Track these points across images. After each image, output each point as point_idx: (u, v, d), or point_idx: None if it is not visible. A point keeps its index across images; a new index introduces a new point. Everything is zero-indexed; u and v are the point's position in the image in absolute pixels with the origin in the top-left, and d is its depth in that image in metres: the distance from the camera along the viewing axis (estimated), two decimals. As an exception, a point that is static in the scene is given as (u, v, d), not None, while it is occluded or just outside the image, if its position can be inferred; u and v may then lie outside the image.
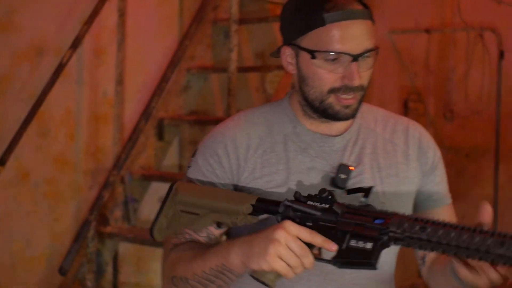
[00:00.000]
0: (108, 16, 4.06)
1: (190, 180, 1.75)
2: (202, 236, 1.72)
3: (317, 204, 1.53)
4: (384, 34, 5.94)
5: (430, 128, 6.34)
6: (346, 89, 1.64)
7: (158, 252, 4.39)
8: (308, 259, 1.46)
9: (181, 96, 4.44)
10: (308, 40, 1.65)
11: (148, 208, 4.40)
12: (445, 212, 1.82)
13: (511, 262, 1.31)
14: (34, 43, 3.86)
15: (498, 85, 5.52)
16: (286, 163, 1.71)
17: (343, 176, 1.68)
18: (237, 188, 1.72)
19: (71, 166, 4.05)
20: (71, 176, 4.05)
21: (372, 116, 1.82)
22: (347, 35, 1.62)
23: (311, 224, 1.51)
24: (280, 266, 1.46)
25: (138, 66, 4.33)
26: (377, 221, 1.47)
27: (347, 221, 1.49)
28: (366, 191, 1.60)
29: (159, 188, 4.39)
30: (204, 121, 4.48)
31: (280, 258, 1.45)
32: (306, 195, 1.55)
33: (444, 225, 1.38)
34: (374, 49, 1.66)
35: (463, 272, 1.48)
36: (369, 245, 1.46)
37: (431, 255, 1.81)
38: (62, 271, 3.30)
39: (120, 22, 3.98)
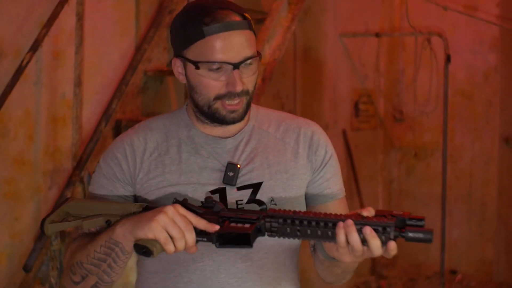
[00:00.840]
0: (66, 19, 4.12)
1: (92, 187, 1.92)
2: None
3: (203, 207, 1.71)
4: (335, 37, 6.10)
5: (380, 129, 6.53)
6: (231, 95, 1.80)
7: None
8: (191, 234, 1.64)
9: (138, 97, 4.53)
10: (192, 52, 1.80)
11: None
12: (337, 206, 1.95)
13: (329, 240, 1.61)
14: (-7, 46, 3.93)
15: (445, 87, 5.71)
16: (178, 164, 1.87)
17: (231, 173, 1.84)
18: (135, 187, 1.88)
19: (30, 166, 4.11)
20: (30, 176, 4.11)
21: (266, 118, 1.97)
22: (226, 46, 1.76)
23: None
24: (162, 235, 1.62)
25: (95, 68, 4.39)
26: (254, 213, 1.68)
27: (228, 212, 1.69)
28: (255, 187, 1.83)
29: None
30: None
31: (164, 228, 1.62)
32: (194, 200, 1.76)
33: (305, 214, 1.63)
34: (254, 56, 1.80)
35: (330, 249, 1.69)
36: (247, 225, 1.65)
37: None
38: (26, 268, 3.37)
39: (78, 25, 4.05)
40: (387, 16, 6.58)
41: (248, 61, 1.79)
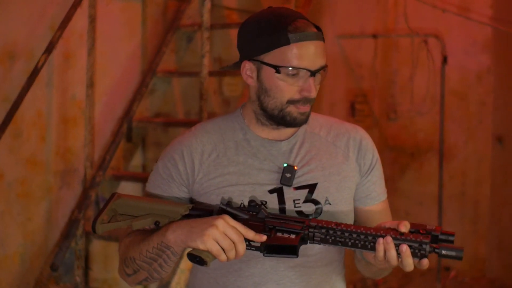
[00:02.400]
0: (77, 21, 4.17)
1: (149, 185, 2.03)
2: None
3: (246, 211, 1.83)
4: (333, 39, 6.19)
5: (375, 128, 6.62)
6: (305, 100, 1.90)
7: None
8: (242, 245, 1.77)
9: (147, 99, 4.59)
10: (272, 57, 1.90)
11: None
12: (381, 207, 2.09)
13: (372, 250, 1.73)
14: (6, 48, 3.95)
15: (441, 88, 5.81)
16: (236, 165, 1.97)
17: (288, 175, 1.94)
18: (193, 188, 1.97)
19: (42, 166, 4.16)
20: (42, 176, 4.16)
21: (317, 122, 2.07)
22: (307, 54, 1.88)
23: (242, 223, 1.80)
24: (214, 248, 1.74)
25: (103, 70, 4.45)
26: (298, 221, 1.81)
27: (273, 220, 1.81)
28: (311, 187, 1.95)
29: (126, 188, 4.55)
30: (170, 123, 4.64)
31: (216, 240, 1.74)
32: (240, 203, 1.88)
33: (346, 226, 1.76)
34: (326, 66, 1.92)
35: (367, 255, 1.84)
36: (292, 236, 1.78)
37: None
38: (53, 267, 3.44)
39: (91, 27, 4.10)
40: (381, 18, 6.68)
41: (321, 70, 1.90)
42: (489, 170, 6.47)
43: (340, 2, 6.27)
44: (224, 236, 1.74)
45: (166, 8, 4.89)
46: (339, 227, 1.75)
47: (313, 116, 2.07)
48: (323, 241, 1.77)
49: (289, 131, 2.00)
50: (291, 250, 1.77)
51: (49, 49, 3.85)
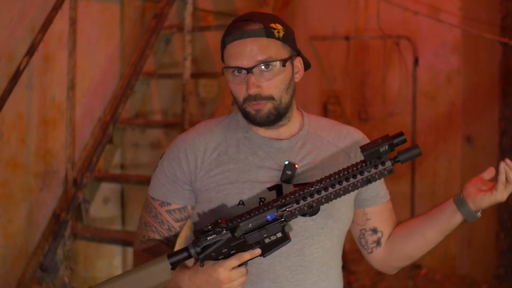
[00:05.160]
0: (56, 23, 4.18)
1: (153, 183, 2.08)
2: (164, 229, 2.06)
3: (218, 235, 1.85)
4: (306, 41, 6.26)
5: (347, 129, 6.67)
6: (250, 98, 1.95)
7: (104, 250, 4.58)
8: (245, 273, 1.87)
9: (127, 100, 4.61)
10: (224, 59, 2.00)
11: (95, 208, 4.58)
12: (390, 205, 2.17)
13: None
14: (-13, 50, 3.97)
15: (413, 89, 5.90)
16: (237, 163, 2.01)
17: (289, 172, 1.98)
18: (195, 185, 2.02)
19: (22, 168, 4.17)
20: (22, 178, 4.17)
21: (318, 124, 2.12)
22: (237, 53, 1.94)
23: (226, 249, 1.86)
24: None
25: (82, 71, 4.47)
26: (269, 217, 1.85)
27: (251, 235, 1.86)
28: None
29: (106, 188, 4.59)
30: (149, 125, 4.67)
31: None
32: (208, 226, 1.87)
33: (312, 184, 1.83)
34: (269, 61, 1.93)
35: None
36: (279, 234, 1.86)
37: (386, 235, 2.14)
38: (43, 268, 3.46)
39: (71, 30, 4.11)
40: (353, 20, 6.76)
41: (263, 66, 1.93)
42: (459, 169, 6.57)
43: (313, 4, 6.34)
44: (232, 281, 1.83)
45: (144, 9, 4.92)
46: (304, 193, 1.83)
47: (314, 118, 2.13)
48: (305, 211, 1.85)
49: (288, 131, 2.05)
50: (284, 242, 1.86)
51: (30, 52, 3.86)
